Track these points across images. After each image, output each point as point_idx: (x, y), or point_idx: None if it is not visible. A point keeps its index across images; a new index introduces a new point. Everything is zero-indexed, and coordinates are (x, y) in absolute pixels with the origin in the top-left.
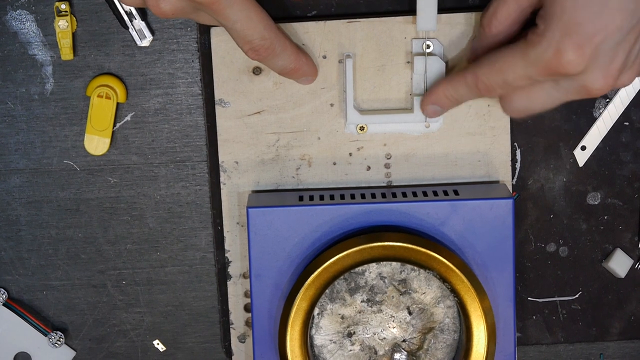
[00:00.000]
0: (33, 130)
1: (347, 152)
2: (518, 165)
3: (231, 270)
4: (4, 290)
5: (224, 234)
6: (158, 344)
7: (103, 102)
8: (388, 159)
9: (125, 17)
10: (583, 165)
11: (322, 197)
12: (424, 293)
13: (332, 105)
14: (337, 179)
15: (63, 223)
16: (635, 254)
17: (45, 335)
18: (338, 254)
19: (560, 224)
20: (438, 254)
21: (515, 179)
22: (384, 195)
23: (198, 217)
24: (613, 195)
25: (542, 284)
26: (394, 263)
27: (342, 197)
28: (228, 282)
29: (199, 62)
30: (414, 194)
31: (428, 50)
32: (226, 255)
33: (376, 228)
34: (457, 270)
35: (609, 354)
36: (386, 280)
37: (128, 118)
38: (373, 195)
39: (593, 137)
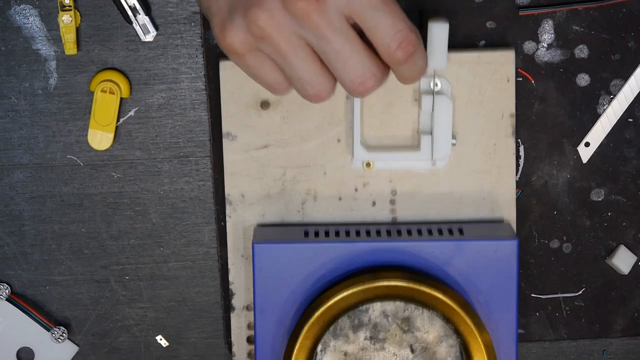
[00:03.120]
0: (36, 125)
1: (353, 188)
2: (522, 161)
3: (235, 302)
4: (7, 285)
5: (229, 266)
6: (161, 339)
7: (107, 97)
8: (393, 195)
9: (129, 12)
10: (587, 162)
11: (327, 233)
12: (427, 332)
13: (339, 140)
14: (343, 213)
15: (66, 218)
16: (639, 251)
17: (48, 330)
18: (342, 292)
19: (564, 221)
20: (442, 294)
21: (518, 176)
22: (389, 233)
23: (201, 212)
24: (617, 191)
25: (546, 280)
26: (397, 301)
27: (348, 233)
28: (231, 314)
29: (203, 58)
30: (419, 232)
31: (436, 89)
32: (230, 287)
33: (381, 267)
34: (460, 311)
35: (612, 351)
36: (390, 318)
37: (132, 113)
38: (378, 232)
39: (597, 134)
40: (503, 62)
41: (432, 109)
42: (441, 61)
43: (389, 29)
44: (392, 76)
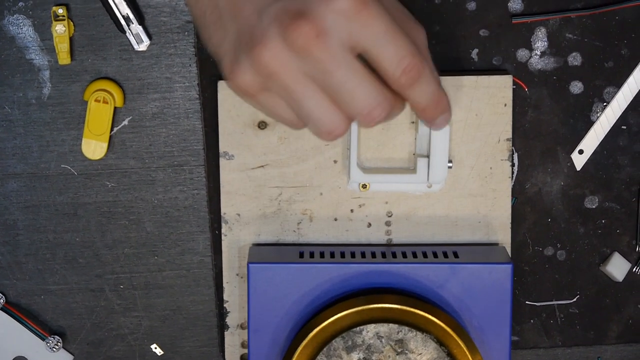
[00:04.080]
0: (30, 135)
1: (349, 209)
2: (516, 169)
3: (229, 320)
4: (1, 295)
5: (223, 285)
6: (156, 348)
7: (100, 107)
8: (389, 216)
9: (123, 22)
10: (580, 169)
11: (322, 254)
12: (420, 354)
13: (335, 161)
14: (338, 234)
15: (60, 227)
16: (633, 258)
17: (43, 339)
18: (336, 314)
19: (558, 228)
20: (436, 317)
21: (512, 183)
22: (384, 255)
23: (195, 221)
24: (611, 199)
25: (540, 287)
26: (391, 323)
27: (343, 255)
28: (225, 333)
29: (197, 67)
30: (414, 255)
31: None
32: (224, 305)
33: (375, 289)
34: (454, 335)
35: (606, 358)
36: (383, 340)
37: (125, 122)
38: (373, 254)
39: (590, 141)
40: (500, 86)
41: (429, 133)
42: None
43: (393, 56)
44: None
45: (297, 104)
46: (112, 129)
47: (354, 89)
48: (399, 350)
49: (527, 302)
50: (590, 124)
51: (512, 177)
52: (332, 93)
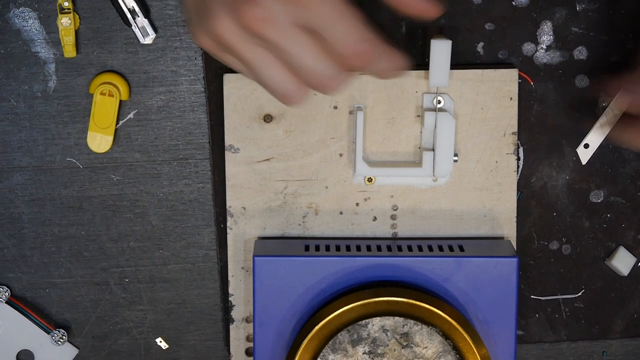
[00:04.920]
0: (36, 128)
1: (354, 202)
2: (521, 163)
3: (234, 314)
4: (6, 288)
5: (229, 278)
6: (161, 341)
7: (106, 100)
8: (394, 210)
9: (128, 15)
10: (586, 163)
11: (327, 247)
12: (426, 347)
13: (341, 155)
14: (343, 228)
15: (66, 221)
16: (638, 252)
17: (48, 332)
18: (342, 307)
19: (563, 222)
20: (441, 311)
21: (518, 177)
22: (389, 248)
23: (201, 214)
24: (616, 193)
25: (545, 281)
26: (397, 317)
27: (348, 248)
28: (230, 326)
29: (202, 60)
30: (420, 248)
31: (439, 106)
32: (230, 299)
33: (381, 282)
34: (459, 328)
35: (612, 352)
36: (389, 333)
37: (131, 116)
38: (379, 248)
39: (596, 135)
40: (506, 80)
41: (435, 126)
42: (443, 79)
43: (342, 38)
44: (394, 92)
45: (253, 72)
46: (117, 122)
47: (306, 63)
48: (405, 344)
49: (532, 297)
50: (595, 118)
51: (518, 171)
52: (288, 65)
